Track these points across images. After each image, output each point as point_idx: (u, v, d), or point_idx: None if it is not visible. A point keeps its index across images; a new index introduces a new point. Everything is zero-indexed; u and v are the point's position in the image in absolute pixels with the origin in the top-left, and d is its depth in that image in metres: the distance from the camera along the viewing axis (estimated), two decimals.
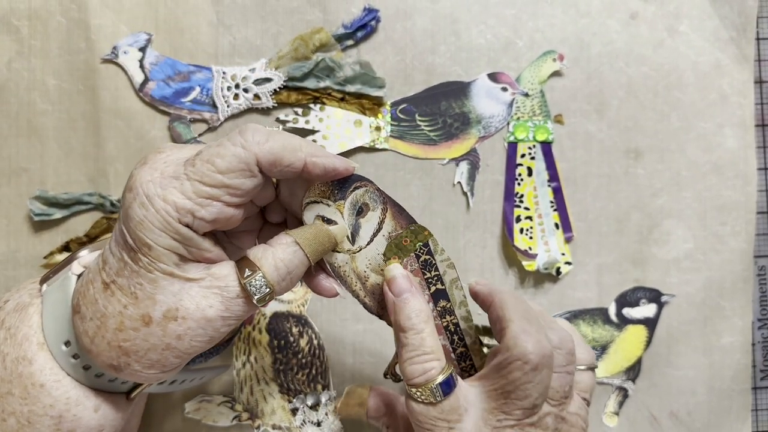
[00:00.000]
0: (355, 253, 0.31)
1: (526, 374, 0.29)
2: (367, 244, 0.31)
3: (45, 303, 0.30)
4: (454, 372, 0.30)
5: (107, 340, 0.27)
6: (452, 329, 0.32)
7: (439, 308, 0.32)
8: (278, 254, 0.28)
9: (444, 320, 0.32)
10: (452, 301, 0.32)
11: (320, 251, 0.30)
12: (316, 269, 0.32)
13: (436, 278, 0.32)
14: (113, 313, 0.27)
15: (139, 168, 0.27)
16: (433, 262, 0.32)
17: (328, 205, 0.30)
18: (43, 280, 0.31)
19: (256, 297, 0.28)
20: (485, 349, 0.34)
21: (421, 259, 0.32)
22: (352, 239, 0.31)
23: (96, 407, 0.29)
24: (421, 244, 0.32)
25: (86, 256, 0.31)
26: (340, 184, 0.30)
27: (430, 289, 0.32)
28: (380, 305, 0.32)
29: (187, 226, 0.26)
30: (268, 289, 0.28)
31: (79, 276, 0.30)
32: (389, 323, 0.32)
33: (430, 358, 0.29)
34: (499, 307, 0.31)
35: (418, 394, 0.29)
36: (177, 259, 0.27)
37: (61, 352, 0.29)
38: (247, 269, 0.28)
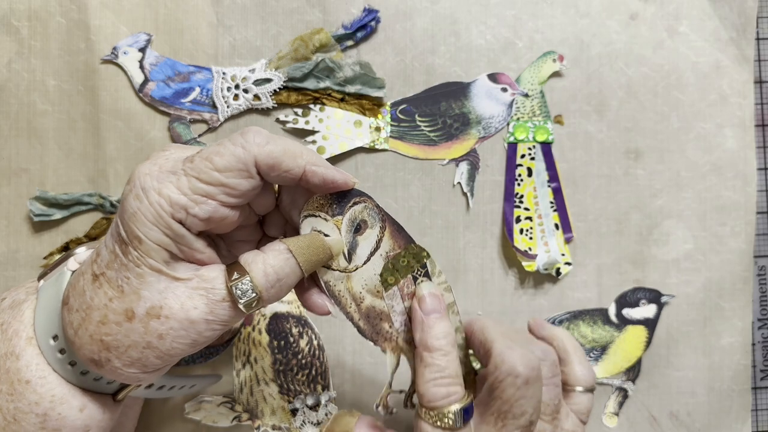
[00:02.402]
0: (351, 272, 0.30)
1: (518, 389, 0.28)
2: (364, 263, 0.30)
3: (39, 298, 0.30)
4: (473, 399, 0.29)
5: (90, 332, 0.27)
6: None
7: None
8: (269, 260, 0.28)
9: None
10: None
11: (314, 262, 0.29)
12: (309, 283, 0.31)
13: None
14: (98, 305, 0.27)
15: (141, 163, 0.27)
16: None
17: (326, 220, 0.30)
18: (41, 276, 0.31)
19: (241, 301, 0.27)
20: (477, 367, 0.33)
21: (418, 281, 0.31)
22: (349, 257, 0.30)
23: (81, 407, 0.29)
24: (419, 265, 0.31)
25: (83, 253, 0.31)
26: (339, 199, 0.29)
27: None
28: (375, 330, 0.31)
29: (180, 222, 0.26)
30: (254, 294, 0.27)
31: (74, 272, 0.30)
32: (383, 350, 0.31)
33: (454, 381, 0.29)
34: (479, 332, 0.31)
35: (436, 418, 0.28)
36: (167, 257, 0.27)
37: (49, 347, 0.28)
38: (235, 272, 0.27)
